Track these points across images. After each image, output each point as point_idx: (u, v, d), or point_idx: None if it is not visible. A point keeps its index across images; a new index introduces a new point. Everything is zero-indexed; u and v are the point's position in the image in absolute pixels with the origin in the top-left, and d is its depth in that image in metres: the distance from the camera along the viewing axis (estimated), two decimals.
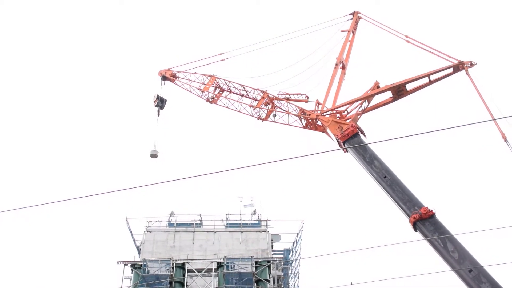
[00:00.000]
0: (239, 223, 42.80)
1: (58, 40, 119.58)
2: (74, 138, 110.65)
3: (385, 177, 33.33)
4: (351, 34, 41.65)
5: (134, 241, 43.75)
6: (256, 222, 43.07)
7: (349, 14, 42.82)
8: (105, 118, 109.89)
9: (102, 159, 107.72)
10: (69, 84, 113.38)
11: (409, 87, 37.12)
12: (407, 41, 39.21)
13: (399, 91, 37.08)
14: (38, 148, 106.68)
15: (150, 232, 42.43)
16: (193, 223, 43.22)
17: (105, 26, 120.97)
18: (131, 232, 43.26)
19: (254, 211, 43.81)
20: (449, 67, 36.05)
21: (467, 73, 35.45)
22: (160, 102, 43.32)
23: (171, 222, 43.55)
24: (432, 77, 36.42)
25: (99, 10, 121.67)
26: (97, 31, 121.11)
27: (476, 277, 28.60)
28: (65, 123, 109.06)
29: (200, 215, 43.64)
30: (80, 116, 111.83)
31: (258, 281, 37.02)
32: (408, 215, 31.82)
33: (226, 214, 43.34)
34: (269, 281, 37.55)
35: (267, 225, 42.40)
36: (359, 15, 42.53)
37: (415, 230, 31.68)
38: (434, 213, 31.35)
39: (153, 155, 41.52)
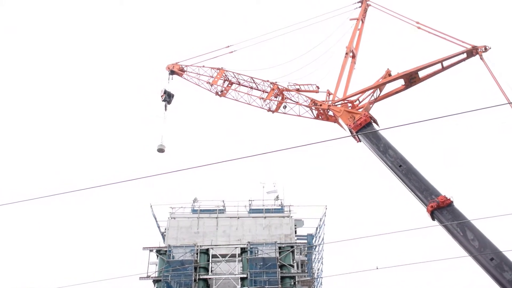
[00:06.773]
0: (262, 209, 40.90)
1: (65, 37, 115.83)
2: (83, 133, 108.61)
3: (400, 166, 30.72)
4: (360, 22, 38.27)
5: (158, 227, 42.45)
6: (279, 207, 41.10)
7: (358, 2, 39.46)
8: (114, 113, 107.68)
9: (112, 154, 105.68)
10: (80, 80, 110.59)
11: (421, 74, 34.24)
12: (418, 28, 35.86)
13: (411, 78, 34.09)
14: (55, 143, 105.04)
15: (174, 218, 40.85)
16: (216, 209, 41.51)
17: (112, 21, 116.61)
18: (155, 219, 41.96)
19: (277, 197, 41.84)
20: (462, 53, 33.03)
21: (481, 58, 32.48)
22: (168, 97, 40.63)
23: (195, 209, 41.82)
24: (445, 63, 33.45)
25: (105, 5, 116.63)
26: (104, 27, 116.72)
27: (498, 265, 26.38)
28: (77, 119, 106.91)
29: (223, 201, 41.88)
30: (92, 111, 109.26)
31: (282, 266, 35.60)
32: (425, 204, 29.43)
33: (249, 200, 41.62)
34: (292, 266, 36.16)
35: (290, 211, 40.53)
36: (367, 2, 39.21)
37: (433, 219, 29.32)
38: (452, 201, 28.98)
39: (160, 150, 39.22)
